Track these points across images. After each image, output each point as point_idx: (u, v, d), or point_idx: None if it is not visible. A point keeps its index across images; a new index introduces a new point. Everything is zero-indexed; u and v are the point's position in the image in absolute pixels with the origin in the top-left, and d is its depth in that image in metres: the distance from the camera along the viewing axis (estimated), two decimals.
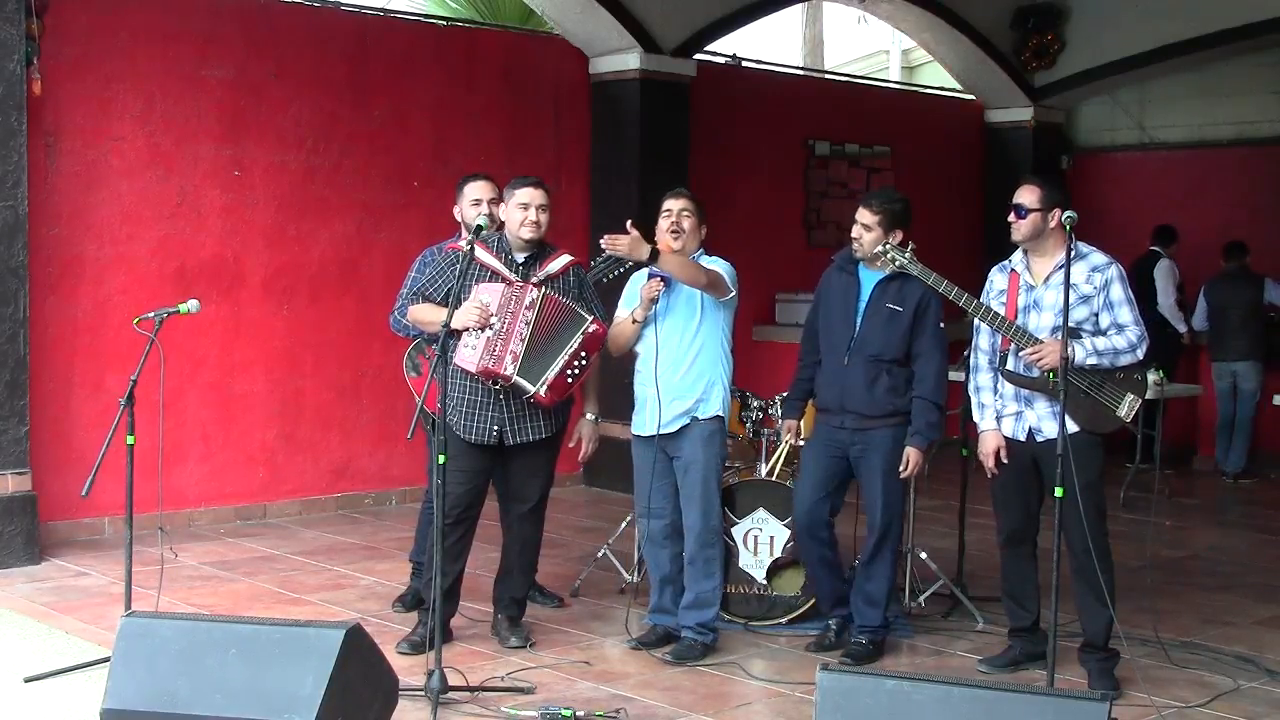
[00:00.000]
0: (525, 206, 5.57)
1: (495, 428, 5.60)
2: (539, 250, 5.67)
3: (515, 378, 5.45)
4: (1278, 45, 11.08)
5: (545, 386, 5.49)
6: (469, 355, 5.46)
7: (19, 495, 7.14)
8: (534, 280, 5.57)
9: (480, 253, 5.56)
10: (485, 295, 5.48)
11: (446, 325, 5.18)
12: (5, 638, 5.82)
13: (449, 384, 5.47)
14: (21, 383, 7.16)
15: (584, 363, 5.59)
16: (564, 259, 5.70)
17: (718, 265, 5.79)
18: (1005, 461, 5.50)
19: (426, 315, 5.61)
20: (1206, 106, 12.07)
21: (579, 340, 5.55)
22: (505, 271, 5.57)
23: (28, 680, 5.21)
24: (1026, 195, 5.36)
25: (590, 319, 5.61)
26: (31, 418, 7.24)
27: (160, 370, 5.41)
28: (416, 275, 6.02)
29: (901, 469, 5.66)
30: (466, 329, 5.43)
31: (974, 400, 5.62)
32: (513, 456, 5.70)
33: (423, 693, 4.92)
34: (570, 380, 5.57)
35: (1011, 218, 5.39)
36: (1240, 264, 10.62)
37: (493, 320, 5.45)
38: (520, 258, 5.64)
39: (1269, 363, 10.55)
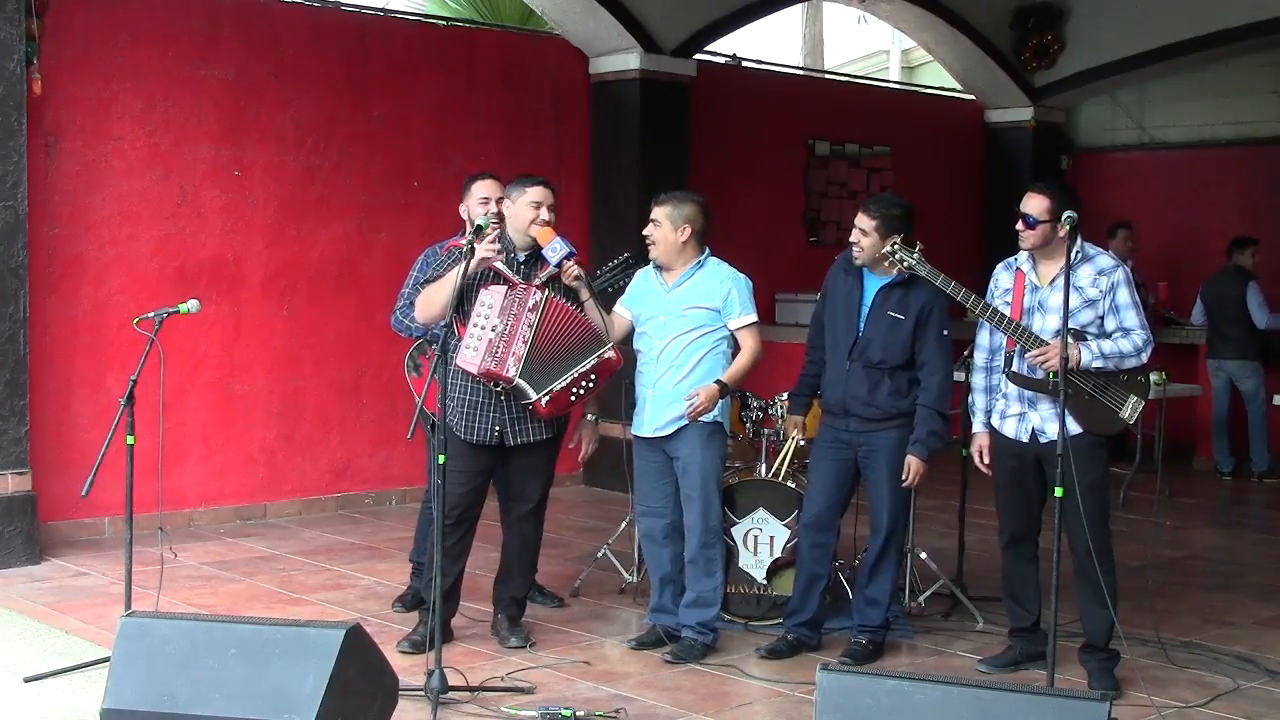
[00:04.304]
0: (538, 205, 5.56)
1: (496, 428, 5.60)
2: (539, 250, 5.67)
3: (518, 380, 5.44)
4: (1278, 45, 11.08)
5: (548, 397, 5.47)
6: (470, 357, 5.45)
7: (19, 495, 7.14)
8: (536, 282, 5.57)
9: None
10: (488, 297, 5.48)
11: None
12: (5, 638, 5.81)
13: (449, 384, 5.47)
14: (21, 383, 7.16)
15: (591, 385, 5.58)
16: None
17: (734, 282, 5.79)
18: (988, 461, 5.53)
19: (432, 296, 5.54)
20: (1206, 106, 12.06)
21: (593, 363, 5.55)
22: (508, 272, 5.57)
23: (28, 680, 5.21)
24: (1035, 205, 5.32)
25: (609, 345, 5.61)
26: (31, 418, 7.24)
27: (160, 370, 5.41)
28: (418, 275, 6.02)
29: (903, 478, 5.66)
30: (486, 258, 5.39)
31: (969, 399, 5.63)
32: (513, 457, 5.70)
33: (423, 693, 4.92)
34: (573, 399, 5.57)
35: (1020, 226, 5.35)
36: (1236, 264, 10.61)
37: (495, 322, 5.45)
38: (523, 256, 5.64)
39: (1267, 362, 10.53)
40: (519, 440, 5.62)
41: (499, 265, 5.55)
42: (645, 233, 5.84)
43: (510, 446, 5.63)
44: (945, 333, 5.67)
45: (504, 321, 5.45)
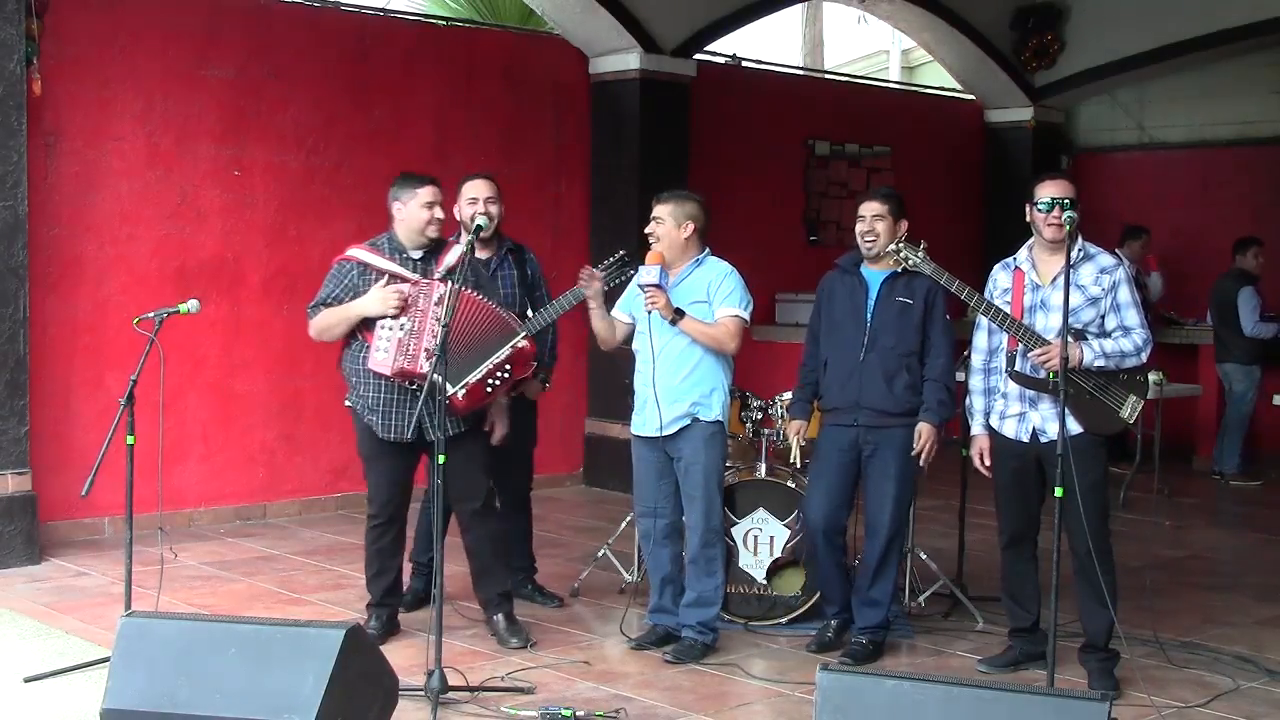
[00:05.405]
0: (430, 205, 5.62)
1: (413, 424, 5.59)
2: (435, 246, 5.71)
3: (433, 376, 5.42)
4: (1278, 45, 11.07)
5: (464, 390, 5.50)
6: (382, 359, 5.49)
7: (19, 495, 7.14)
8: (437, 276, 5.59)
9: (369, 257, 5.61)
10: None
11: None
12: (5, 638, 5.82)
13: (366, 384, 5.57)
14: (21, 383, 7.16)
15: (506, 375, 5.63)
16: (458, 249, 5.72)
17: (729, 277, 5.78)
18: (989, 463, 5.53)
19: (329, 319, 5.62)
20: (1206, 106, 12.06)
21: (507, 353, 5.60)
22: (403, 271, 5.60)
23: (28, 680, 5.21)
24: (1064, 189, 5.29)
25: (522, 334, 5.66)
26: (31, 418, 7.24)
27: (160, 370, 5.40)
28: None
29: (915, 447, 5.66)
30: (385, 316, 5.45)
31: (966, 401, 5.63)
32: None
33: (423, 693, 4.92)
34: (489, 391, 5.60)
35: (1055, 213, 5.24)
36: (1239, 266, 10.59)
37: (402, 320, 5.46)
38: (417, 254, 5.67)
39: (1266, 365, 10.52)
40: (436, 433, 5.55)
41: (390, 266, 5.59)
42: (647, 230, 5.83)
43: (429, 442, 5.59)
44: (947, 316, 5.76)
45: (411, 319, 5.47)
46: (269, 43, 8.40)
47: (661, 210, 5.81)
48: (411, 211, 5.63)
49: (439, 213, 5.63)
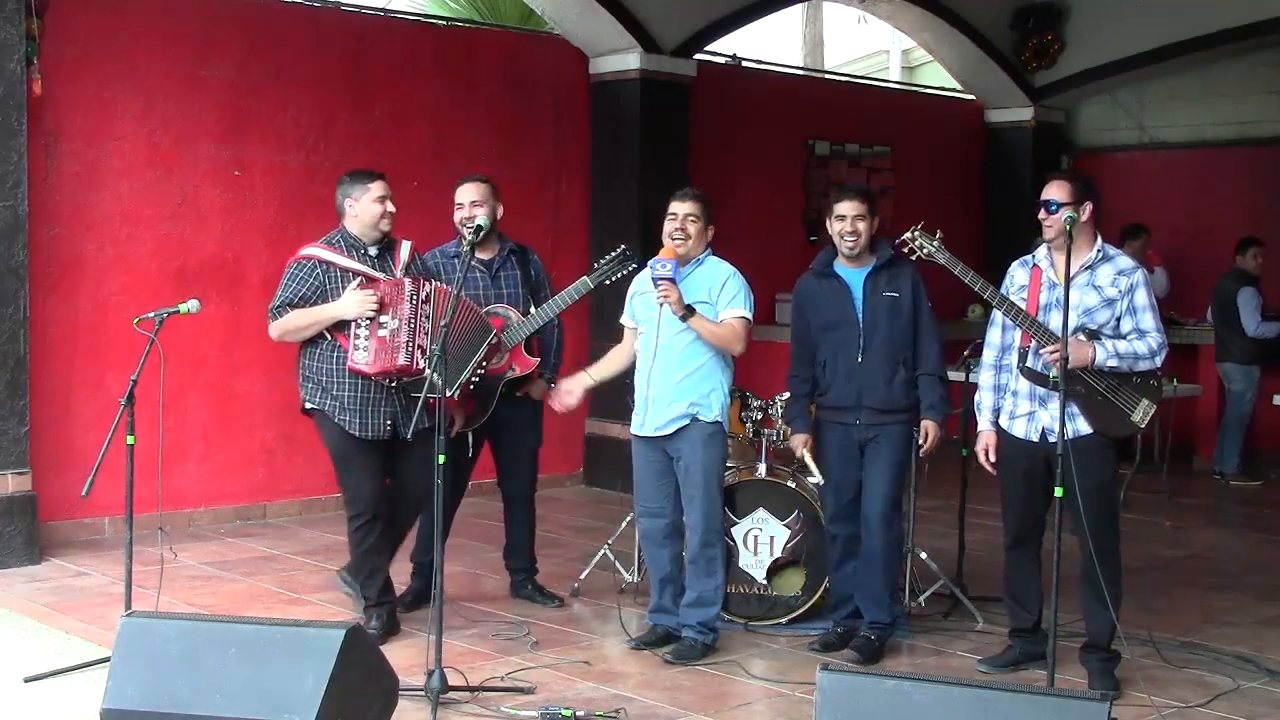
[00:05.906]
0: (382, 199, 5.69)
1: (388, 422, 5.64)
2: (388, 242, 5.77)
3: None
4: (1278, 45, 11.07)
5: (458, 390, 5.62)
6: (363, 358, 5.50)
7: (19, 495, 7.14)
8: (401, 274, 5.64)
9: (331, 255, 5.64)
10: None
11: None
12: (5, 638, 5.82)
13: (339, 384, 5.59)
14: (21, 383, 7.16)
15: (484, 370, 5.77)
16: (406, 245, 5.81)
17: (733, 277, 5.77)
18: (994, 459, 5.52)
19: (299, 321, 5.64)
20: (1206, 106, 12.06)
21: (484, 350, 5.74)
22: (370, 271, 5.64)
23: (28, 680, 5.21)
24: (1056, 191, 5.30)
25: (494, 331, 5.80)
26: (31, 418, 7.24)
27: (160, 370, 5.40)
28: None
29: (920, 443, 5.68)
30: (360, 319, 5.49)
31: (976, 397, 5.63)
32: (407, 453, 5.70)
33: (423, 693, 4.92)
34: (472, 387, 5.73)
35: (1042, 214, 5.30)
36: (1238, 266, 10.59)
37: (383, 319, 5.46)
38: (374, 250, 5.72)
39: (1265, 365, 10.51)
40: (412, 428, 5.48)
41: (358, 266, 5.62)
42: (677, 227, 5.73)
43: (402, 439, 5.62)
44: (930, 304, 5.77)
45: (393, 317, 5.47)
46: (269, 43, 8.40)
47: (694, 209, 5.77)
48: (365, 207, 5.69)
49: (390, 206, 5.71)
